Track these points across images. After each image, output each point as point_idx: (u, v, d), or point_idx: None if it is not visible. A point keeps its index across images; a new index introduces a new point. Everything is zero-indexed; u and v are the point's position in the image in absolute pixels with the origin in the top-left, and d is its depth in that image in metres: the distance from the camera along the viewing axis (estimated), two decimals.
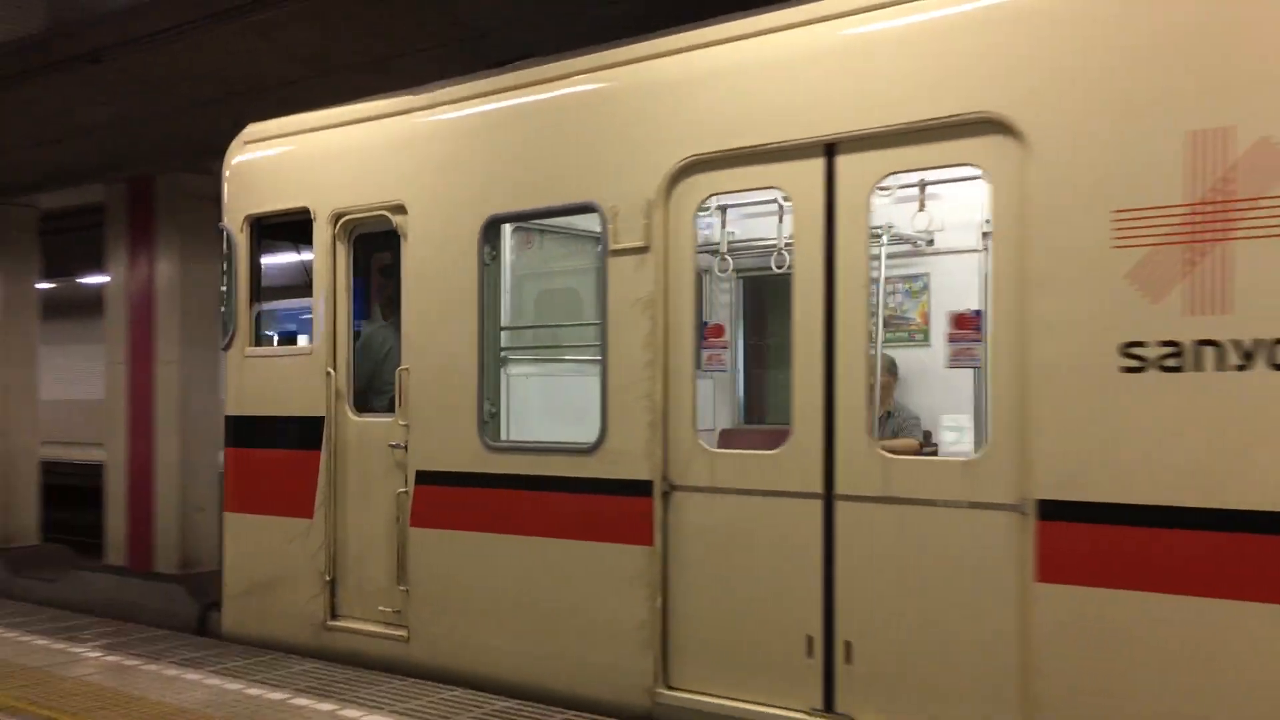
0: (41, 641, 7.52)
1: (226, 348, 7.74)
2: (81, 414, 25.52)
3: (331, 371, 7.08)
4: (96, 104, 11.67)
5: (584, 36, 6.38)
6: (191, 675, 6.56)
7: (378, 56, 9.83)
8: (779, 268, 6.45)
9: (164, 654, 7.08)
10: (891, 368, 7.11)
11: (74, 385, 26.79)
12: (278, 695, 6.09)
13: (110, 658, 7.03)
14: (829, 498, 5.15)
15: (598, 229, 5.86)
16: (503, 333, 6.64)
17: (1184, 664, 4.25)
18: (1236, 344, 4.13)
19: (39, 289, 17.26)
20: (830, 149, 5.14)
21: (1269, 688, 4.09)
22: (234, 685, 6.32)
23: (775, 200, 6.35)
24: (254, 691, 6.19)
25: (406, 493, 6.66)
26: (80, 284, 23.74)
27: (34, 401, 16.80)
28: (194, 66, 10.51)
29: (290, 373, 7.33)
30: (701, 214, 6.36)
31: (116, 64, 10.58)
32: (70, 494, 19.16)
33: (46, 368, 17.33)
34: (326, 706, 5.88)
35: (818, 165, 5.18)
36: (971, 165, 4.88)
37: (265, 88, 10.56)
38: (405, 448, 6.69)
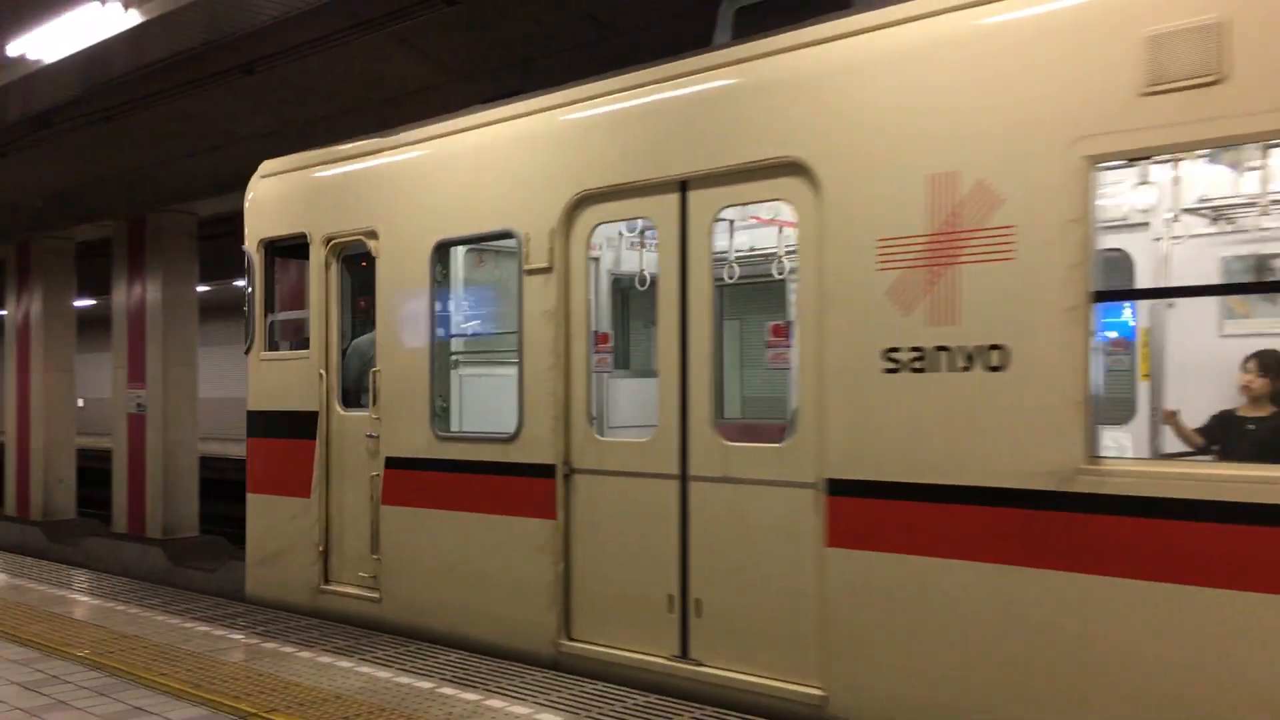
0: (203, 628, 7.84)
1: (247, 352, 9.05)
2: (235, 411, 27.52)
3: (323, 373, 8.31)
4: (250, 113, 12.57)
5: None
6: (344, 663, 6.79)
7: (520, 58, 10.43)
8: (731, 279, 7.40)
9: (316, 642, 7.34)
10: None
11: (227, 384, 28.68)
12: (426, 684, 6.28)
13: (267, 644, 7.29)
14: (684, 478, 6.14)
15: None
16: (453, 339, 7.76)
17: (937, 614, 5.12)
18: (962, 349, 5.01)
19: (198, 292, 18.87)
20: (684, 185, 6.13)
21: (992, 629, 4.94)
22: (384, 673, 6.54)
23: (728, 220, 7.26)
24: (403, 680, 6.39)
25: (378, 476, 7.85)
26: (236, 287, 25.62)
27: (194, 399, 18.30)
28: (342, 75, 11.19)
29: (293, 374, 8.59)
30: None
31: (269, 74, 11.39)
32: (225, 488, 20.77)
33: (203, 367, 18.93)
34: (471, 696, 6.03)
35: (674, 199, 6.18)
36: (783, 200, 5.82)
37: (410, 93, 11.23)
38: (378, 438, 7.88)
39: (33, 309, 20.45)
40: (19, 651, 7.19)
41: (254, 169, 9.19)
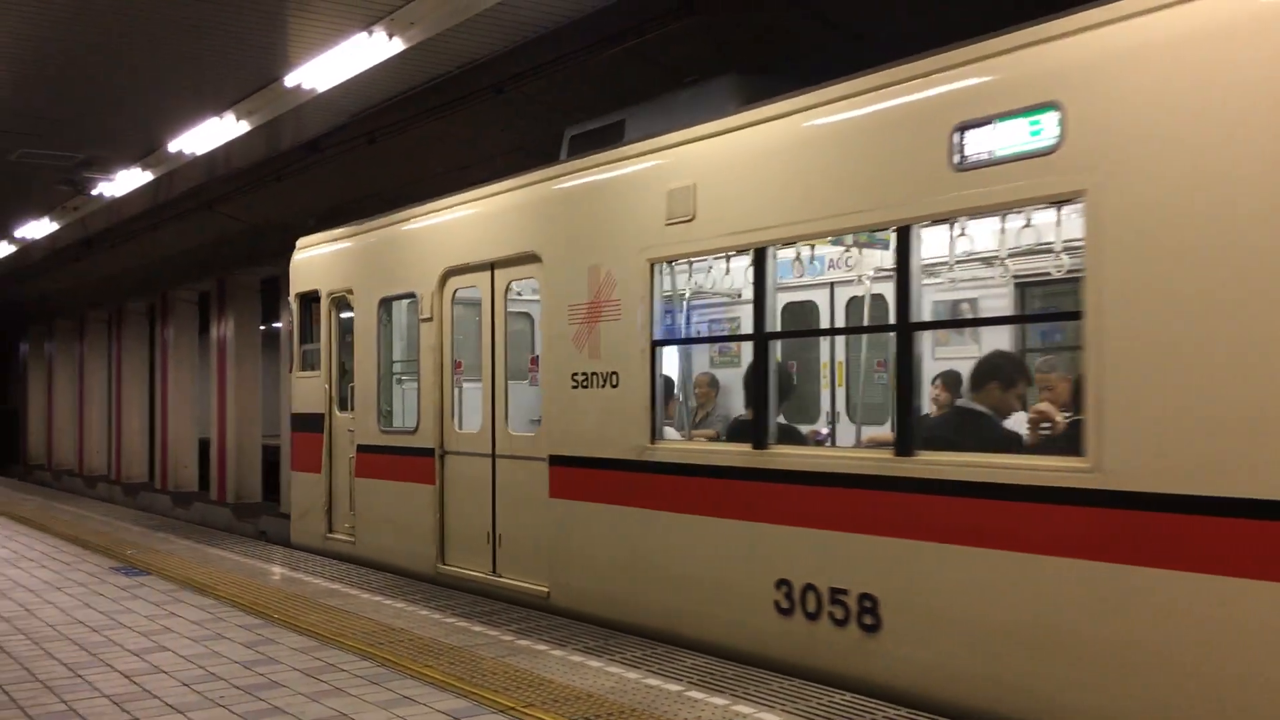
0: (463, 624, 8.22)
1: (290, 371, 12.89)
2: None
3: (327, 387, 12.02)
4: (498, 131, 13.06)
5: (957, 26, 6.65)
6: (594, 663, 6.98)
7: (754, 63, 10.18)
8: None
9: (568, 640, 7.60)
10: (713, 382, 10.93)
11: None
12: (674, 687, 6.35)
13: (521, 642, 7.61)
14: (494, 456, 9.47)
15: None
16: (394, 364, 11.32)
17: (592, 536, 8.26)
18: (602, 374, 8.15)
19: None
20: (493, 266, 9.47)
21: (614, 544, 8.00)
22: (633, 674, 6.67)
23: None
24: (652, 681, 6.48)
25: (353, 457, 11.47)
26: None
27: None
28: (582, 91, 11.54)
29: (312, 386, 12.34)
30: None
31: (516, 93, 11.96)
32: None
33: None
34: (719, 701, 6.05)
35: (488, 275, 9.53)
36: (535, 278, 9.08)
37: (640, 103, 11.23)
38: (354, 431, 11.50)
39: None
40: (299, 640, 7.73)
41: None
